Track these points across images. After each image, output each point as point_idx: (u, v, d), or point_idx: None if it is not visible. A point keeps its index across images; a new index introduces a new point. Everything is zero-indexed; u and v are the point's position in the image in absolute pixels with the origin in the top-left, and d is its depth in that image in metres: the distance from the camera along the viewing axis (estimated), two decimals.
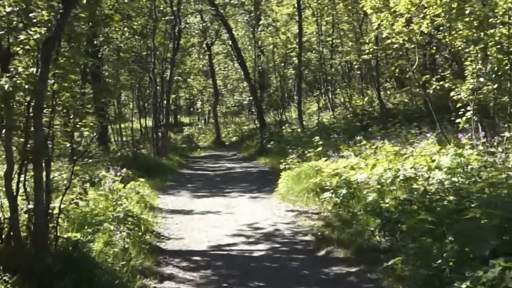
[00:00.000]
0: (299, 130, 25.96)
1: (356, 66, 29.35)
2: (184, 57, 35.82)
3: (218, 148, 32.39)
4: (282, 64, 28.76)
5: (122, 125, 40.35)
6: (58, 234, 6.42)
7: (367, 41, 14.45)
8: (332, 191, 10.15)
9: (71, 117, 6.57)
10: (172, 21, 23.48)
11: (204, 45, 35.07)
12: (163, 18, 22.89)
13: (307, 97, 35.26)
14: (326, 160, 11.66)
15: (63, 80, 5.89)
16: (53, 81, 5.93)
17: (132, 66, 27.91)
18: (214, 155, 27.88)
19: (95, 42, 22.56)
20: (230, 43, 30.81)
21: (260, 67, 32.05)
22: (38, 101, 5.54)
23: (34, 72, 5.60)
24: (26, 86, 5.53)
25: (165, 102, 23.58)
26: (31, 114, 5.80)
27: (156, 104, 22.33)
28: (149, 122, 26.11)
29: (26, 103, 5.93)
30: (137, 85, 27.11)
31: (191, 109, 52.15)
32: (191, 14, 30.50)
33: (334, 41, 27.75)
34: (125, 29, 23.75)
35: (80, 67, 6.81)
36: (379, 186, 8.95)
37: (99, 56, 23.20)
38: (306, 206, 10.54)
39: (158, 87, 23.20)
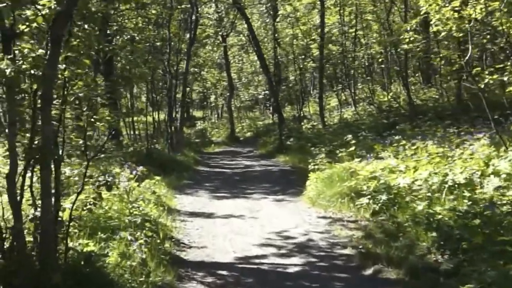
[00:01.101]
0: (319, 126, 25.00)
1: (380, 60, 28.26)
2: (198, 49, 34.88)
3: (232, 143, 31.45)
4: (302, 57, 27.66)
5: (135, 118, 39.95)
6: (69, 245, 5.52)
7: (408, 29, 13.32)
8: (369, 196, 9.20)
9: (85, 109, 5.60)
10: (188, 9, 22.46)
11: (219, 37, 34.06)
12: (178, 7, 21.89)
13: (326, 92, 34.18)
14: (360, 161, 10.67)
15: (76, 66, 4.94)
16: (64, 66, 4.97)
17: (147, 57, 27.14)
18: (229, 151, 26.93)
19: (108, 32, 21.81)
20: (247, 34, 29.75)
21: (277, 60, 31.02)
22: (47, 90, 4.60)
23: (42, 55, 4.65)
24: (33, 72, 4.57)
25: (179, 95, 22.57)
26: (38, 106, 4.87)
27: (171, 97, 21.36)
28: (162, 116, 25.24)
29: (32, 93, 4.98)
30: (150, 77, 26.33)
31: (204, 103, 51.19)
32: (208, 1, 29.38)
33: (357, 32, 26.62)
34: (139, 18, 22.86)
35: (93, 54, 5.87)
36: (429, 194, 7.93)
37: (112, 46, 22.37)
38: (339, 212, 9.54)
39: (173, 80, 22.27)
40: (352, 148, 11.02)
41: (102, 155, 15.26)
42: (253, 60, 40.29)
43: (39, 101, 5.00)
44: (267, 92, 38.59)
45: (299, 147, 21.01)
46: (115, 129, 24.71)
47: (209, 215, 10.16)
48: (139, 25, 22.89)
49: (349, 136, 11.57)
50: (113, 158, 15.16)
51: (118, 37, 22.36)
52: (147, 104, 28.31)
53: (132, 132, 29.24)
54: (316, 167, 11.67)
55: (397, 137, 11.27)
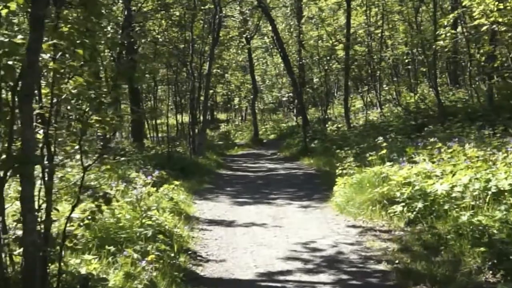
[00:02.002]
0: (345, 128, 24.19)
1: (406, 60, 27.35)
2: (222, 52, 34.32)
3: (256, 146, 30.82)
4: (327, 58, 26.85)
5: (159, 121, 39.56)
6: (66, 264, 4.87)
7: (445, 24, 12.49)
8: (403, 204, 8.42)
9: (81, 110, 4.90)
10: (212, 10, 21.84)
11: (243, 39, 33.43)
12: (202, 8, 21.30)
13: (351, 94, 33.30)
14: (391, 166, 9.86)
15: (70, 57, 4.25)
16: (48, 56, 4.24)
17: (170, 59, 26.64)
18: (252, 154, 26.27)
19: (131, 34, 21.32)
20: (271, 35, 29.07)
21: (302, 62, 30.26)
22: (27, 84, 3.85)
23: (22, 42, 3.93)
24: (10, 62, 3.86)
25: (202, 97, 21.97)
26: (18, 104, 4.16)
27: (193, 100, 20.77)
28: (186, 118, 24.68)
29: (10, 88, 4.22)
30: (175, 80, 25.82)
31: (228, 105, 50.68)
32: (232, 1, 28.73)
33: (384, 33, 25.72)
34: (162, 21, 22.36)
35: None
36: (473, 203, 7.13)
37: (135, 48, 21.90)
38: (370, 221, 8.77)
39: (196, 82, 21.70)
40: (383, 151, 10.22)
41: (122, 158, 14.88)
42: (277, 62, 39.68)
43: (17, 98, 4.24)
44: (290, 94, 37.89)
45: (324, 149, 20.27)
46: (139, 131, 24.42)
47: (230, 223, 9.46)
48: (162, 27, 22.42)
49: (380, 138, 10.76)
50: (133, 161, 14.64)
51: (142, 40, 21.88)
52: (170, 107, 27.93)
53: (155, 135, 28.86)
54: (344, 171, 10.89)
55: (432, 139, 10.42)
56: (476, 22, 9.50)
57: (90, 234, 6.85)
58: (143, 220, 7.13)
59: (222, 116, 51.82)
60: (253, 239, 8.21)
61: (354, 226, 8.66)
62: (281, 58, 27.80)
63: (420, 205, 8.20)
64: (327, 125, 26.19)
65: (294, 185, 14.06)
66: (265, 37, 37.64)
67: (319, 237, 8.15)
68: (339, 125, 25.76)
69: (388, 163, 9.96)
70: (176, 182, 11.61)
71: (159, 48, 23.89)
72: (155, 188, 10.33)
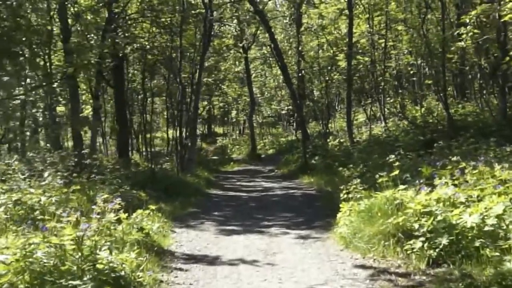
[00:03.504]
0: (347, 143, 22.60)
1: (411, 72, 25.82)
2: (219, 63, 32.85)
3: (253, 161, 29.27)
4: (329, 67, 25.33)
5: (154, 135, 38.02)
6: None
7: (467, 21, 10.92)
8: (423, 238, 6.79)
9: None
10: (203, 15, 20.28)
11: (240, 49, 31.94)
12: (192, 12, 19.75)
13: (353, 107, 31.74)
14: (406, 189, 8.17)
15: None
16: None
17: (159, 69, 25.10)
18: (248, 170, 24.67)
19: (116, 40, 19.80)
20: (269, 44, 27.54)
21: (301, 73, 28.70)
22: None
23: None
24: None
25: (192, 108, 20.34)
26: None
27: (183, 111, 19.15)
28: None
29: None
30: (166, 90, 24.26)
31: (225, 119, 49.14)
32: (224, 5, 27.17)
33: (387, 42, 24.16)
34: (150, 26, 20.86)
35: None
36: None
37: (121, 55, 20.37)
38: (383, 259, 7.10)
39: (187, 91, 20.13)
40: (396, 172, 8.55)
41: (98, 177, 13.23)
42: (276, 74, 38.22)
43: None
44: (290, 107, 36.39)
45: (325, 166, 18.69)
46: (125, 146, 22.78)
47: (211, 260, 7.78)
48: (150, 32, 20.92)
49: (392, 156, 9.10)
50: (108, 180, 13.00)
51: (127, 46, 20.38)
52: (168, 120, 26.37)
53: (149, 149, 27.28)
54: (349, 195, 9.21)
55: (455, 158, 8.76)
56: (506, 18, 7.92)
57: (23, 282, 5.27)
58: (85, 267, 5.44)
59: (219, 129, 50.34)
60: (237, 285, 6.53)
61: (363, 267, 6.98)
62: (280, 68, 26.26)
63: (444, 241, 6.59)
64: (328, 140, 24.63)
65: (292, 208, 12.41)
66: (263, 47, 36.15)
67: (321, 281, 6.48)
68: (341, 140, 24.20)
69: (401, 186, 8.27)
70: (153, 207, 9.97)
71: (148, 58, 22.44)
72: (126, 215, 8.74)
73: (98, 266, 5.74)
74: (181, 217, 11.45)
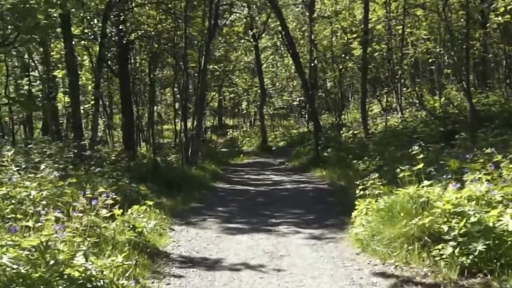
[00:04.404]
0: (362, 135, 21.62)
1: (430, 60, 24.65)
2: (228, 53, 31.90)
3: (263, 154, 28.34)
4: (343, 55, 24.26)
5: (165, 126, 37.19)
6: None
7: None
8: (454, 243, 5.84)
9: None
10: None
11: (251, 37, 30.93)
12: None
13: (367, 98, 30.67)
14: (429, 185, 7.19)
15: None
16: None
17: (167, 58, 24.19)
18: (258, 163, 23.76)
19: (120, 27, 18.95)
20: (279, 30, 26.53)
21: (313, 63, 27.65)
22: None
23: None
24: None
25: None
26: None
27: (187, 99, 18.24)
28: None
29: None
30: (173, 80, 23.39)
31: (236, 110, 48.19)
32: None
33: (405, 28, 23.04)
34: (155, 12, 19.95)
35: None
36: None
37: (125, 41, 19.53)
38: (407, 266, 6.16)
39: (192, 80, 19.20)
40: (420, 166, 7.56)
41: (98, 169, 12.40)
42: (287, 63, 37.20)
43: None
44: (302, 98, 35.37)
45: (338, 159, 17.74)
46: (130, 138, 21.97)
47: (211, 264, 6.87)
48: (155, 18, 20.01)
49: (416, 148, 8.08)
50: (108, 173, 12.15)
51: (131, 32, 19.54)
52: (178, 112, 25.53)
53: (154, 141, 26.47)
54: (365, 191, 8.23)
55: (489, 150, 7.76)
56: None
57: None
58: (51, 277, 4.55)
59: (230, 121, 49.44)
60: None
61: (383, 275, 6.05)
62: (291, 56, 25.26)
63: (480, 246, 5.63)
64: (341, 132, 23.63)
65: (302, 204, 11.47)
66: (274, 36, 35.09)
67: None
68: (355, 132, 23.21)
69: (425, 182, 7.27)
70: (150, 202, 9.12)
71: (154, 46, 21.56)
72: (121, 211, 7.89)
73: (73, 274, 4.87)
74: (182, 213, 10.57)
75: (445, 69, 24.89)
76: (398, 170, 7.78)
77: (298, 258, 6.98)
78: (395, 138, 18.66)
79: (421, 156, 7.71)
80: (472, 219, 5.98)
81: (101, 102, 24.97)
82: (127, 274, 5.68)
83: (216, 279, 6.20)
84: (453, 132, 17.05)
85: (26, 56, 24.29)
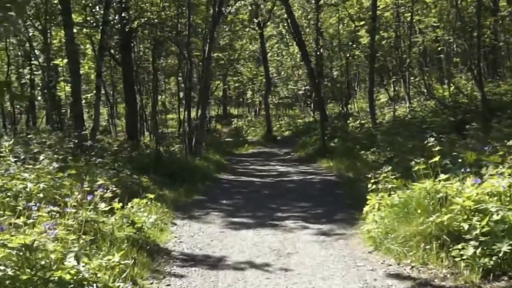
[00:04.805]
0: (369, 125, 21.19)
1: (439, 48, 24.09)
2: (233, 41, 31.38)
3: (268, 143, 27.93)
4: (350, 43, 23.75)
5: (170, 116, 36.75)
6: None
7: None
8: (476, 243, 5.43)
9: None
10: None
11: (255, 25, 30.38)
12: None
13: (375, 87, 30.14)
14: (446, 179, 6.75)
15: None
16: None
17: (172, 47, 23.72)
18: (263, 153, 23.34)
19: (123, 14, 18.50)
20: (285, 17, 25.98)
21: (319, 51, 27.14)
22: None
23: None
24: None
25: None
26: None
27: (190, 88, 17.78)
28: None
29: None
30: (177, 68, 22.97)
31: (241, 100, 47.68)
32: None
33: (414, 16, 22.51)
34: None
35: None
36: None
37: (128, 29, 19.06)
38: (424, 267, 5.74)
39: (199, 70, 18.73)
40: (436, 158, 7.11)
41: (98, 160, 12.01)
42: (293, 52, 36.65)
43: None
44: (307, 87, 34.85)
45: (346, 150, 17.32)
46: (133, 128, 21.58)
47: (214, 263, 6.48)
48: (159, 5, 19.52)
49: (431, 139, 7.59)
50: (109, 164, 11.75)
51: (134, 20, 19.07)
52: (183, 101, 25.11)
53: (166, 131, 26.23)
54: (377, 185, 7.80)
55: (511, 142, 7.31)
56: None
57: None
58: (41, 280, 4.16)
59: (234, 111, 48.96)
60: None
61: (399, 277, 5.64)
62: (297, 44, 24.74)
63: (504, 247, 5.23)
64: (348, 121, 23.19)
65: (310, 197, 11.05)
66: (280, 25, 34.51)
67: None
68: (362, 122, 22.77)
69: (442, 176, 6.83)
70: (151, 195, 8.72)
71: (158, 34, 21.09)
72: (120, 204, 7.51)
73: (64, 276, 4.49)
74: (184, 206, 10.17)
75: (454, 57, 24.42)
76: (413, 162, 7.33)
77: (307, 256, 6.58)
78: (404, 128, 18.24)
79: (437, 148, 7.24)
80: (495, 217, 5.59)
81: (103, 91, 24.57)
82: (124, 275, 5.30)
83: (220, 280, 5.80)
84: (464, 122, 16.62)
85: (27, 45, 23.87)
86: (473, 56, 18.44)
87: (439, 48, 24.05)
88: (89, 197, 6.25)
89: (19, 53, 26.77)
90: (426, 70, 24.74)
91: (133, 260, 5.79)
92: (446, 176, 6.82)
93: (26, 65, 24.58)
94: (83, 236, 5.58)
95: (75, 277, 4.50)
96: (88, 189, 7.42)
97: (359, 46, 24.48)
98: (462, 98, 20.22)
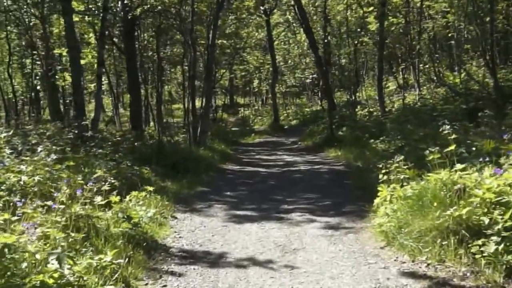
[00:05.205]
0: (378, 113, 20.69)
1: (449, 34, 23.46)
2: (239, 29, 30.83)
3: (275, 133, 27.51)
4: (358, 30, 23.18)
5: (175, 106, 36.34)
6: None
7: None
8: (498, 239, 4.98)
9: None
10: None
11: (262, 12, 29.81)
12: None
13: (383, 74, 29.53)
14: (463, 169, 6.29)
15: None
16: None
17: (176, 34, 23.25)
18: (270, 142, 22.93)
19: (125, 1, 18.04)
20: (292, 4, 25.44)
21: (327, 39, 26.57)
22: None
23: None
24: None
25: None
26: None
27: (194, 77, 17.31)
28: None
29: None
30: (182, 57, 22.49)
31: (247, 89, 47.16)
32: None
33: (424, 2, 21.90)
34: None
35: None
36: None
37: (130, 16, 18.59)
38: (441, 265, 5.30)
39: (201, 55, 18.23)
40: (452, 147, 6.63)
41: (99, 151, 11.62)
42: (300, 40, 36.09)
43: None
44: (315, 75, 34.32)
45: (354, 138, 16.87)
46: (137, 118, 21.17)
47: (215, 260, 6.06)
48: None
49: (447, 127, 7.09)
50: (109, 155, 11.34)
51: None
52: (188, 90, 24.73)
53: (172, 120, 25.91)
54: (389, 175, 7.34)
55: None
56: None
57: None
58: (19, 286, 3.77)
59: (241, 100, 48.49)
60: None
61: (414, 275, 5.20)
62: (304, 31, 24.21)
63: None
64: (356, 110, 22.67)
65: (317, 188, 10.62)
66: (286, 12, 33.93)
67: None
68: (371, 110, 22.26)
69: (458, 166, 6.35)
70: (150, 188, 8.34)
71: (162, 22, 20.61)
72: (118, 198, 7.12)
73: (46, 281, 4.08)
74: (186, 199, 9.76)
75: (465, 44, 23.83)
76: (427, 151, 6.86)
77: (314, 252, 6.16)
78: (414, 116, 17.74)
79: (453, 136, 6.75)
80: None
81: (107, 81, 24.16)
82: (116, 275, 4.89)
83: (220, 279, 5.39)
84: (476, 110, 16.13)
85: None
86: (485, 41, 17.86)
87: (449, 34, 23.46)
88: (78, 192, 5.82)
89: (22, 43, 26.38)
90: (436, 57, 24.15)
91: (127, 259, 5.39)
92: (463, 166, 6.35)
93: (28, 55, 24.19)
94: (72, 234, 5.17)
95: (58, 281, 4.10)
96: (82, 182, 7.07)
97: (368, 33, 23.92)
98: (473, 85, 19.68)
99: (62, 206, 5.44)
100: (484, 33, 17.94)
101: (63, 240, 4.84)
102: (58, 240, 4.82)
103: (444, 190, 5.90)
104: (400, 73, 25.74)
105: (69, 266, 4.21)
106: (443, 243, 5.46)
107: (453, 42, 24.16)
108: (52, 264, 4.09)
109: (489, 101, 16.42)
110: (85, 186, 6.14)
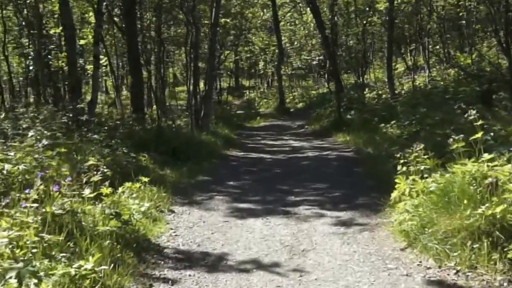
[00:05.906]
0: (387, 95, 19.94)
1: (460, 14, 22.56)
2: (245, 9, 30.02)
3: (281, 116, 26.83)
4: (367, 9, 22.32)
5: (179, 88, 35.62)
6: None
7: None
8: None
9: None
10: None
11: None
12: None
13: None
14: (490, 159, 5.55)
15: None
16: None
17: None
18: (275, 126, 22.24)
19: None
20: None
21: (334, 19, 25.67)
22: None
23: None
24: None
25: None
26: None
27: (196, 57, 16.56)
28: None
29: None
30: (184, 38, 21.72)
31: (253, 71, 46.29)
32: None
33: None
34: None
35: None
36: None
37: None
38: (472, 272, 4.60)
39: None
40: (479, 135, 5.88)
41: (95, 136, 10.98)
42: (306, 20, 35.18)
43: None
44: (321, 57, 33.47)
45: (363, 122, 16.18)
46: (139, 101, 20.45)
47: (214, 263, 5.39)
48: None
49: (472, 112, 6.30)
50: (104, 141, 10.66)
51: None
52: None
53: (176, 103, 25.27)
54: (407, 166, 6.60)
55: None
56: None
57: None
58: None
59: (246, 83, 47.71)
60: None
61: (441, 284, 4.51)
62: (311, 11, 23.36)
63: None
64: (364, 92, 21.90)
65: (326, 177, 9.92)
66: None
67: None
68: (380, 92, 21.49)
69: (486, 156, 5.61)
70: (145, 179, 7.67)
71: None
72: (110, 189, 6.45)
73: None
74: (186, 189, 9.07)
75: (476, 24, 22.99)
76: (450, 140, 6.13)
77: (325, 254, 5.48)
78: (425, 98, 17.02)
79: (480, 122, 6.01)
80: None
81: (107, 62, 23.42)
82: (97, 286, 4.23)
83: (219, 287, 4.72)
84: (491, 92, 15.41)
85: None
86: (499, 20, 17.00)
87: (460, 14, 22.58)
88: (55, 188, 5.12)
89: (18, 21, 25.54)
90: (447, 37, 23.27)
91: (112, 265, 4.71)
92: (491, 156, 5.62)
93: (24, 34, 23.42)
94: (48, 236, 4.49)
95: None
96: (67, 172, 6.41)
97: (376, 12, 23.07)
98: (485, 66, 18.89)
99: (35, 205, 4.74)
100: (498, 12, 17.09)
101: (35, 246, 4.16)
102: (29, 245, 4.14)
103: (474, 185, 5.19)
104: (409, 54, 24.90)
105: (35, 281, 3.51)
106: (474, 246, 4.76)
107: (463, 22, 23.27)
108: (10, 282, 3.40)
109: (503, 83, 15.67)
110: (68, 179, 5.44)
